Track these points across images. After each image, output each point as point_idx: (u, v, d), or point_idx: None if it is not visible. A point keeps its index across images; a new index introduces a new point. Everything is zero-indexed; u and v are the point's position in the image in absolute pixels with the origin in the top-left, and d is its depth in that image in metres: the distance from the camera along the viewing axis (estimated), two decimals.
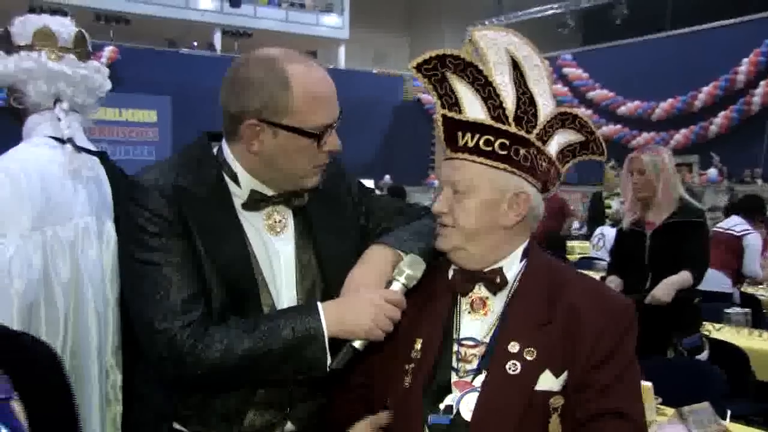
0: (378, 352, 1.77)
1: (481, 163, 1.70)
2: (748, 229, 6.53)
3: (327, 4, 29.85)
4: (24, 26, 2.27)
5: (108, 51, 21.68)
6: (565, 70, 22.79)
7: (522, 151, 1.72)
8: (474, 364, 1.68)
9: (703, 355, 4.08)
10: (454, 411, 1.64)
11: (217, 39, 27.22)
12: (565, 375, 1.63)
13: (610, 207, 9.42)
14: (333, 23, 29.89)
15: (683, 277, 4.13)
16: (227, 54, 25.46)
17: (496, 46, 1.76)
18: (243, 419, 1.76)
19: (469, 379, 1.67)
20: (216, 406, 1.75)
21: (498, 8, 27.88)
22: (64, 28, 2.33)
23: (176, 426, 1.78)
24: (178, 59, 23.30)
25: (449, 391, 1.67)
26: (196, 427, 1.77)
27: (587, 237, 10.64)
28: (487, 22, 27.66)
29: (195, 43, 27.35)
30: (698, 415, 2.61)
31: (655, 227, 4.27)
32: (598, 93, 21.82)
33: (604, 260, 7.48)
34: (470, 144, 1.71)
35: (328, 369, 1.66)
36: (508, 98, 1.73)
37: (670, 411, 2.81)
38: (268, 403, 1.78)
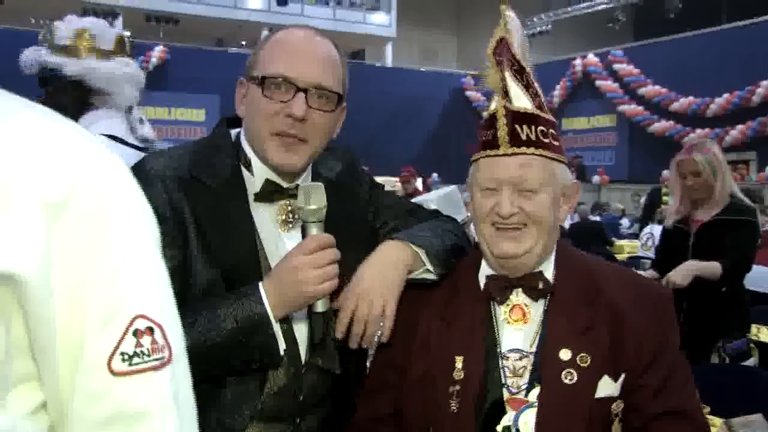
0: (408, 377, 1.64)
1: (546, 157, 1.59)
2: None
3: (374, 2, 29.78)
4: (105, 33, 2.43)
5: (158, 51, 21.99)
6: (616, 66, 22.33)
7: (561, 140, 1.64)
8: (525, 378, 1.56)
9: (750, 361, 3.83)
10: (513, 431, 1.52)
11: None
12: (623, 377, 1.52)
13: (666, 203, 9.22)
14: (380, 21, 29.79)
15: (709, 265, 3.85)
16: None
17: (517, 28, 1.65)
18: (245, 430, 1.62)
19: (522, 395, 1.54)
20: (217, 418, 1.60)
21: (547, 3, 27.45)
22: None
23: None
24: (227, 58, 23.44)
25: (502, 411, 1.54)
26: None
27: (637, 236, 10.45)
28: (536, 19, 27.30)
29: (243, 42, 27.57)
30: (750, 429, 2.43)
31: (700, 225, 4.04)
32: (650, 89, 21.30)
33: (652, 259, 7.34)
34: (532, 137, 1.58)
35: (282, 353, 1.55)
36: (537, 86, 1.63)
37: (717, 421, 2.66)
38: (276, 414, 1.66)
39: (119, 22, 24.94)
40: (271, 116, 1.59)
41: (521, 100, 1.60)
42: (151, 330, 0.84)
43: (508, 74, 1.61)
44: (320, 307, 1.56)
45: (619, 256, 9.93)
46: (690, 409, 1.53)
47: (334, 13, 28.79)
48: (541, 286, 1.62)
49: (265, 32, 27.93)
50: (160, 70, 22.70)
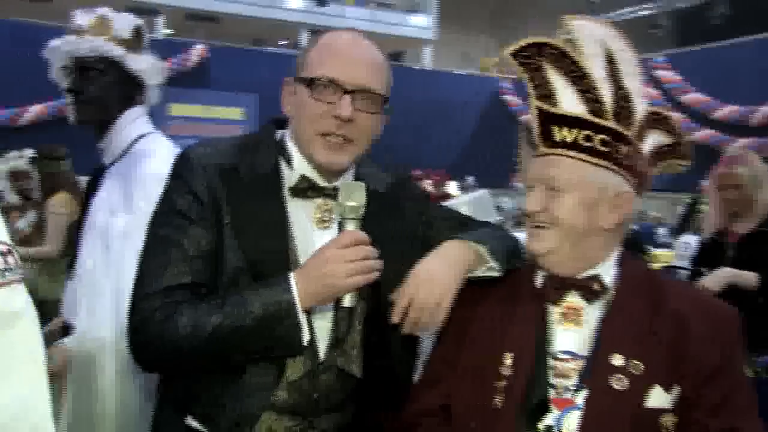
0: (459, 372, 1.65)
1: (581, 160, 1.58)
2: None
3: (414, 4, 29.80)
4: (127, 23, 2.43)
5: (198, 49, 22.23)
6: (658, 72, 22.03)
7: (623, 149, 1.60)
8: (573, 380, 1.55)
9: None
10: (556, 431, 1.52)
11: (304, 38, 27.55)
12: (677, 391, 1.48)
13: (700, 212, 9.10)
14: (420, 23, 29.81)
15: (745, 274, 3.71)
16: None
17: (592, 36, 1.64)
18: (255, 424, 1.65)
19: (568, 396, 1.53)
20: (227, 409, 1.63)
21: (588, 9, 27.21)
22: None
23: (191, 422, 1.67)
24: (266, 58, 23.62)
25: (546, 410, 1.54)
26: (210, 425, 1.66)
27: (672, 245, 10.33)
28: None
29: (282, 42, 27.77)
30: None
31: (738, 238, 3.90)
32: (692, 96, 20.99)
33: (688, 269, 7.26)
34: (569, 139, 1.59)
35: (303, 345, 1.57)
36: (606, 93, 1.62)
37: None
38: (290, 408, 1.68)
39: (161, 20, 25.31)
40: (319, 117, 1.63)
41: (570, 104, 1.62)
42: (9, 251, 1.06)
43: (556, 77, 1.63)
44: (347, 302, 1.58)
45: (654, 266, 9.81)
46: (750, 429, 1.49)
47: (373, 14, 28.86)
48: (596, 287, 1.61)
49: (304, 33, 28.23)
50: (200, 69, 22.96)
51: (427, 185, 11.90)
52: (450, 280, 1.64)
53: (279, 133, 1.78)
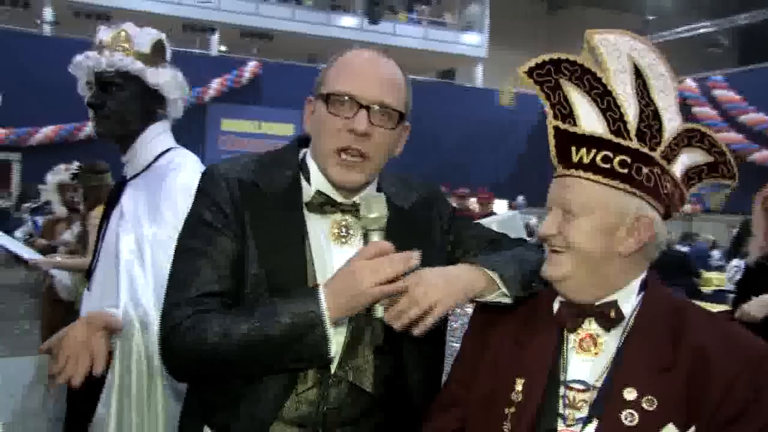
0: (474, 395, 1.60)
1: (597, 182, 1.50)
2: None
3: (467, 23, 29.82)
4: (144, 37, 2.44)
5: (251, 66, 22.60)
6: (715, 92, 21.60)
7: (645, 170, 1.51)
8: (584, 412, 1.47)
9: None
10: None
11: None
12: (692, 431, 1.39)
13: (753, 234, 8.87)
14: (472, 42, 29.81)
15: None
16: None
17: (618, 51, 1.56)
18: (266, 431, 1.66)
19: (578, 429, 1.46)
20: (241, 416, 1.65)
21: (644, 28, 26.85)
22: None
23: (207, 431, 1.71)
24: (317, 75, 23.96)
25: None
26: None
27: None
28: None
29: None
30: None
31: None
32: (752, 116, 20.49)
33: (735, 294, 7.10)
34: (585, 160, 1.52)
35: (329, 357, 1.57)
36: (630, 110, 1.53)
37: None
38: (298, 420, 1.67)
39: (215, 37, 25.81)
40: (336, 132, 1.66)
41: (591, 123, 1.54)
42: None
43: (577, 96, 1.56)
44: (379, 312, 1.58)
45: (705, 288, 9.58)
46: None
47: (426, 32, 28.97)
48: (612, 315, 1.52)
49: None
50: (253, 85, 23.33)
51: (472, 204, 11.83)
52: (449, 293, 1.59)
53: (302, 152, 1.82)
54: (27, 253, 4.93)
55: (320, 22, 26.90)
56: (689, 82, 22.45)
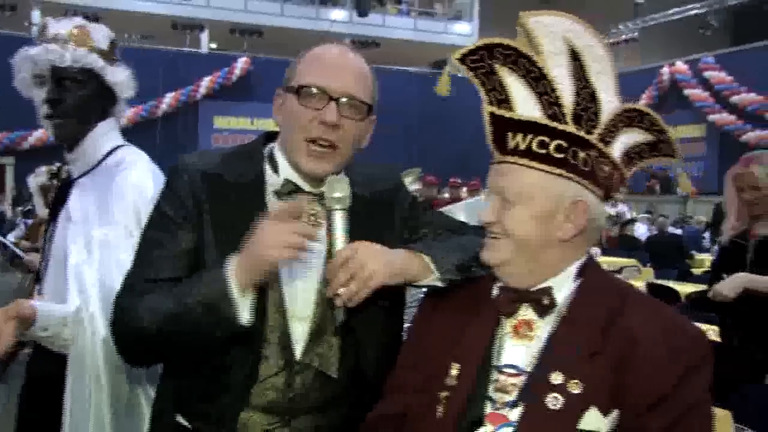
0: (418, 378, 1.62)
1: (533, 168, 1.50)
2: None
3: (456, 12, 29.75)
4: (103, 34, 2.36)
5: (241, 62, 22.56)
6: (707, 73, 21.60)
7: (581, 154, 1.51)
8: (512, 396, 1.48)
9: None
10: None
11: None
12: (615, 414, 1.39)
13: None
14: (462, 31, 29.72)
15: (762, 279, 3.52)
16: None
17: (553, 34, 1.54)
18: (236, 419, 1.70)
19: (505, 411, 1.47)
20: (212, 403, 1.71)
21: (634, 12, 26.82)
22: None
23: (180, 420, 1.76)
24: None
25: (482, 424, 1.48)
26: (194, 422, 1.74)
27: None
28: (621, 27, 26.71)
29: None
30: None
31: (757, 240, 3.71)
32: (744, 97, 20.50)
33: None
34: (522, 146, 1.51)
35: (242, 324, 1.59)
36: (566, 93, 1.52)
37: None
38: (265, 406, 1.71)
39: (205, 34, 25.72)
40: (306, 123, 1.70)
41: (527, 108, 1.53)
42: None
43: (512, 80, 1.55)
44: (340, 316, 1.67)
45: (697, 270, 9.60)
46: None
47: (415, 23, 28.89)
48: (545, 302, 1.53)
49: (346, 42, 28.35)
50: (244, 81, 23.26)
51: (463, 193, 11.87)
52: (386, 267, 1.63)
53: (270, 145, 1.86)
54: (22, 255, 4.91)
55: (309, 17, 26.77)
56: (680, 64, 22.47)
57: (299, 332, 1.73)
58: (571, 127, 1.52)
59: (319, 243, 1.70)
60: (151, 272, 1.70)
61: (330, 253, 1.66)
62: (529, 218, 1.52)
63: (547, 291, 1.54)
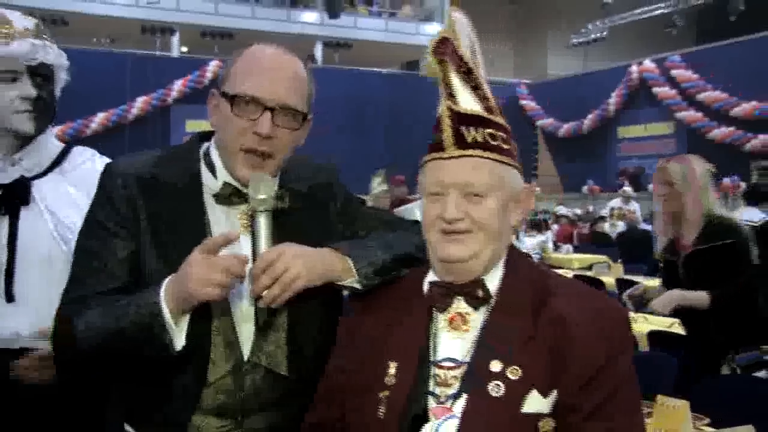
0: (350, 381, 1.62)
1: (494, 160, 1.55)
2: None
3: (428, 13, 29.82)
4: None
5: (213, 65, 22.38)
6: (674, 72, 21.86)
7: (513, 143, 1.60)
8: (454, 388, 1.51)
9: (763, 373, 3.67)
10: None
11: (319, 51, 27.66)
12: (554, 395, 1.45)
13: None
14: (434, 31, 29.58)
15: (695, 296, 3.68)
16: (328, 66, 25.83)
17: (464, 29, 1.60)
18: (187, 424, 1.68)
19: (448, 404, 1.49)
20: (160, 409, 1.69)
21: (603, 11, 27.08)
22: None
23: (128, 429, 1.74)
24: None
25: (426, 419, 1.50)
26: (142, 430, 1.72)
27: None
28: (591, 26, 26.97)
29: (303, 59, 27.89)
30: None
31: (686, 252, 3.82)
32: (710, 94, 20.77)
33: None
34: (479, 139, 1.55)
35: (176, 350, 1.58)
36: (486, 88, 1.59)
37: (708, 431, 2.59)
38: (216, 409, 1.70)
39: (176, 38, 25.53)
40: (240, 133, 1.68)
41: (468, 102, 1.57)
42: None
43: (453, 75, 1.58)
44: (263, 316, 1.70)
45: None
46: None
47: (386, 24, 28.92)
48: (480, 294, 1.57)
49: (319, 46, 28.35)
50: (215, 85, 23.10)
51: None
52: (309, 269, 1.63)
53: (205, 145, 1.83)
54: None
55: (280, 19, 26.68)
56: (648, 63, 22.71)
57: (246, 333, 1.72)
58: (500, 119, 1.59)
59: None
60: (90, 285, 1.67)
61: (255, 255, 1.65)
62: (497, 208, 1.56)
63: (480, 282, 1.58)
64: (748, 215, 7.67)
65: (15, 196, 2.21)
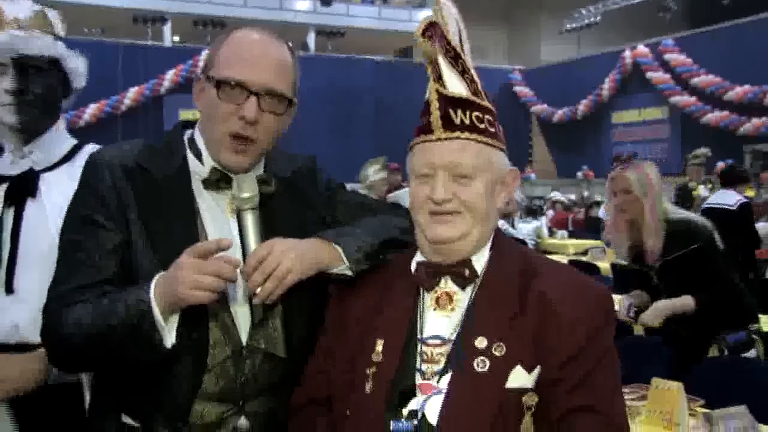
0: (338, 361, 1.65)
1: (480, 142, 1.59)
2: None
3: (420, 0, 29.74)
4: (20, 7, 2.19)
5: (206, 54, 22.35)
6: (667, 56, 21.87)
7: (498, 126, 1.64)
8: (441, 365, 1.54)
9: (752, 353, 3.73)
10: (419, 416, 1.51)
11: (311, 39, 27.59)
12: (538, 370, 1.49)
13: (696, 198, 9.16)
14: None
15: (680, 303, 3.73)
16: (321, 54, 25.76)
17: (452, 16, 1.64)
18: (189, 411, 1.67)
19: (435, 380, 1.53)
20: (161, 398, 1.67)
21: None
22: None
23: (125, 419, 1.71)
24: None
25: (413, 395, 1.53)
26: (143, 420, 1.69)
27: None
28: (584, 11, 26.92)
29: (289, 43, 27.82)
30: (731, 421, 2.35)
31: (656, 261, 3.85)
32: (703, 79, 20.80)
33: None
34: (466, 122, 1.58)
35: (167, 348, 1.57)
36: (474, 73, 1.63)
37: (701, 411, 2.63)
38: (218, 394, 1.70)
39: (168, 27, 25.41)
40: (225, 117, 1.68)
41: (455, 86, 1.60)
42: None
43: (441, 59, 1.61)
44: (259, 313, 1.71)
45: None
46: (604, 407, 1.48)
47: (379, 11, 28.85)
48: (467, 273, 1.61)
49: (311, 33, 28.27)
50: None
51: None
52: (301, 263, 1.64)
53: (189, 132, 1.83)
54: None
55: (273, 7, 26.62)
56: (641, 48, 22.72)
57: (242, 317, 1.73)
58: (487, 102, 1.63)
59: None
60: (77, 278, 1.65)
61: (244, 253, 1.65)
62: (485, 191, 1.59)
63: (467, 263, 1.61)
64: (724, 198, 7.66)
65: (22, 188, 2.19)
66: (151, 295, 1.55)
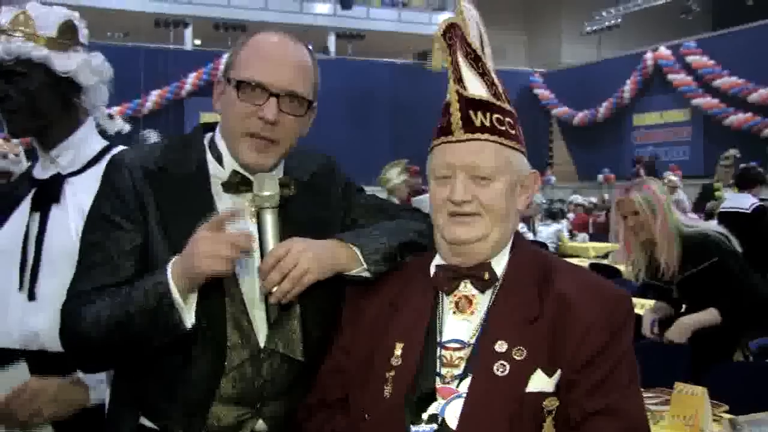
0: (354, 361, 1.66)
1: (501, 143, 1.59)
2: None
3: (440, 2, 29.70)
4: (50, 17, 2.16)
5: (226, 57, 22.48)
6: (689, 58, 21.66)
7: (519, 128, 1.64)
8: (460, 369, 1.54)
9: None
10: (440, 420, 1.50)
11: (332, 42, 27.64)
12: (558, 374, 1.48)
13: (719, 198, 9.03)
14: None
15: (705, 317, 3.71)
16: (341, 56, 25.81)
17: (473, 19, 1.65)
18: (206, 414, 1.68)
19: (454, 384, 1.52)
20: (178, 399, 1.67)
21: None
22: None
23: (143, 421, 1.72)
24: None
25: (434, 399, 1.53)
26: (161, 422, 1.70)
27: None
28: (605, 13, 26.75)
29: (309, 47, 27.89)
30: (757, 427, 2.31)
31: (675, 279, 3.82)
32: (726, 80, 20.57)
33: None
34: (487, 123, 1.58)
35: (186, 328, 1.58)
36: (494, 75, 1.64)
37: (727, 417, 2.59)
38: (235, 397, 1.70)
39: (189, 31, 25.59)
40: (245, 118, 1.69)
41: (476, 88, 1.61)
42: None
43: (462, 61, 1.61)
44: (274, 313, 1.70)
45: None
46: (624, 409, 1.47)
47: (399, 14, 28.83)
48: (486, 276, 1.60)
49: (332, 36, 28.33)
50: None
51: None
52: (319, 264, 1.64)
53: (209, 135, 1.84)
54: None
55: (293, 11, 26.69)
56: (663, 50, 22.51)
57: (260, 320, 1.73)
58: (506, 105, 1.63)
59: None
60: (95, 278, 1.67)
61: (262, 252, 1.66)
62: (504, 191, 1.59)
63: (487, 266, 1.61)
64: (739, 202, 7.55)
65: (47, 194, 2.18)
66: (168, 275, 1.57)
